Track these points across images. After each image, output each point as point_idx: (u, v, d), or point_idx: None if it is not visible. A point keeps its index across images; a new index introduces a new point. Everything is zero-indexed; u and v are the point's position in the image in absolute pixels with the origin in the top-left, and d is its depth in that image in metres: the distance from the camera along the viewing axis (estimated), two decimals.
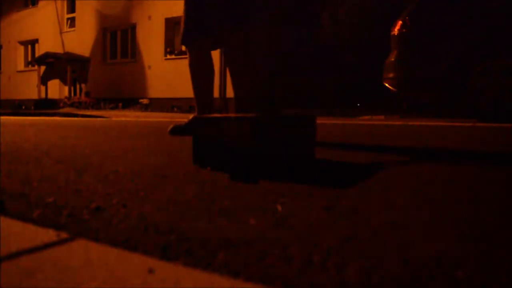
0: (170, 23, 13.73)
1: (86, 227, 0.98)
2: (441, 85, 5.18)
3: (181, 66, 13.07)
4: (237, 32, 3.11)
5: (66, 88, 16.95)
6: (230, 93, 11.96)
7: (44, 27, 18.37)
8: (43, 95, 17.86)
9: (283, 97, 10.44)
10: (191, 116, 3.29)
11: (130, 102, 14.14)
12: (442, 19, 5.22)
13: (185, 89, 12.96)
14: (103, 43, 16.46)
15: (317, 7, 11.57)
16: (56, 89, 17.56)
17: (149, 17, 14.61)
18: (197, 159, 1.86)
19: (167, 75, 13.79)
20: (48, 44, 17.93)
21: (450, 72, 5.03)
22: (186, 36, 3.15)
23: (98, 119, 8.11)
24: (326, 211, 1.10)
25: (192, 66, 3.21)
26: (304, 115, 2.17)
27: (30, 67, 19.28)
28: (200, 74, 3.21)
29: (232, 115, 1.98)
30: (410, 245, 0.85)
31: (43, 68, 18.08)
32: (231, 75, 3.16)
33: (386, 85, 5.63)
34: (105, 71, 16.19)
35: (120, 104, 14.15)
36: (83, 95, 16.39)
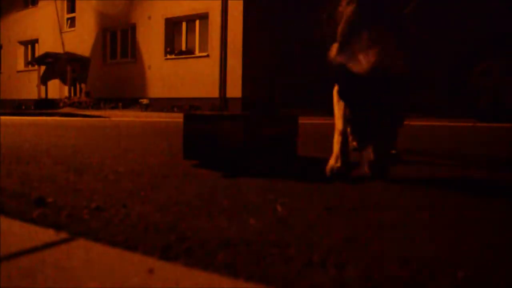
0: (170, 23, 13.71)
1: (86, 227, 0.98)
2: (440, 85, 5.18)
3: (181, 66, 13.08)
4: None
5: (66, 88, 16.94)
6: (230, 93, 11.99)
7: (44, 27, 18.35)
8: (43, 95, 17.85)
9: (283, 97, 10.43)
10: None
11: (130, 102, 14.13)
12: (442, 19, 5.22)
13: (185, 89, 13.00)
14: (103, 43, 16.45)
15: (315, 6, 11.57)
16: (56, 89, 17.55)
17: (149, 17, 14.60)
18: (186, 155, 1.93)
19: (167, 75, 13.78)
20: (48, 44, 17.91)
21: (450, 72, 5.03)
22: None
23: (98, 119, 8.10)
24: (326, 211, 1.10)
25: None
26: (288, 115, 2.28)
27: (30, 67, 19.25)
28: None
29: (226, 113, 2.06)
30: (410, 245, 0.85)
31: (43, 68, 18.06)
32: None
33: None
34: (105, 71, 16.18)
35: (120, 104, 14.14)
36: (83, 95, 16.38)
